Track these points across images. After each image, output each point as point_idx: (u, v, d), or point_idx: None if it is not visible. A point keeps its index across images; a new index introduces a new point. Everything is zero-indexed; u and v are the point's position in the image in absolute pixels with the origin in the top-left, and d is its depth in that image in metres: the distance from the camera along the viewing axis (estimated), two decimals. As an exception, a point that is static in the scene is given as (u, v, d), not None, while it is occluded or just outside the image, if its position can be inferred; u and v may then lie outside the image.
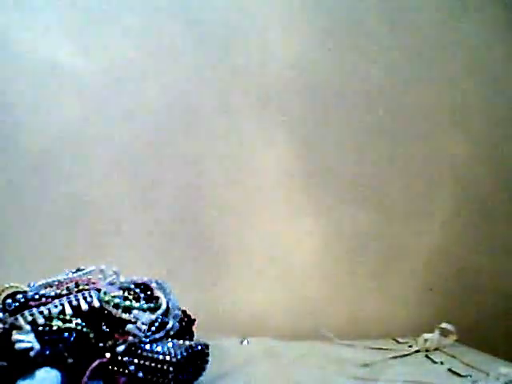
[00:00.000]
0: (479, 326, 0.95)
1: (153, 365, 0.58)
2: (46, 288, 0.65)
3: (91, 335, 0.58)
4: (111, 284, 0.67)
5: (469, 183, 1.02)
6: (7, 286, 0.65)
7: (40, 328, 0.56)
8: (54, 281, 0.66)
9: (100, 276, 0.69)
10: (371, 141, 0.99)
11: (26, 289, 0.64)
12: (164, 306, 0.64)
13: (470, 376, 0.70)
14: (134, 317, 0.61)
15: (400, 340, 0.89)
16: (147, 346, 0.59)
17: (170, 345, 0.60)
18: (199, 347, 0.61)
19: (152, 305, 0.64)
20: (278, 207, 0.97)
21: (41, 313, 0.58)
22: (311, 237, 0.97)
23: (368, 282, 0.99)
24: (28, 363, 0.53)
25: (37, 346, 0.53)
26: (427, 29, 1.01)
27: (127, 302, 0.62)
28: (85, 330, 0.58)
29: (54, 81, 0.89)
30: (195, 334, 0.71)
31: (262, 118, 0.96)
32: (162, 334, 0.62)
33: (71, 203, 0.90)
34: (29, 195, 0.88)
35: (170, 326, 0.63)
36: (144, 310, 0.62)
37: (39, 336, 0.54)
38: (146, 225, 0.92)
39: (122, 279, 0.68)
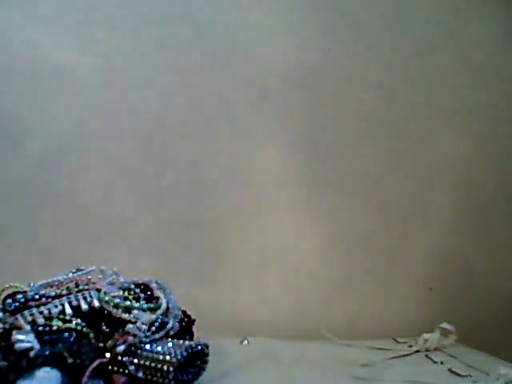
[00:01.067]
0: (479, 325, 0.95)
1: (153, 365, 0.58)
2: (46, 288, 0.65)
3: (91, 335, 0.58)
4: (111, 284, 0.67)
5: (469, 183, 1.02)
6: (7, 286, 0.65)
7: (40, 328, 0.56)
8: (54, 281, 0.66)
9: (100, 276, 0.69)
10: (371, 140, 0.99)
11: (26, 289, 0.64)
12: (164, 306, 0.64)
13: (470, 376, 0.70)
14: (133, 317, 0.61)
15: (400, 340, 0.89)
16: (147, 346, 0.59)
17: (170, 345, 0.60)
18: (199, 347, 0.61)
19: (152, 305, 0.64)
20: (278, 207, 0.97)
21: (41, 313, 0.58)
22: (311, 237, 0.97)
23: (368, 282, 0.99)
24: (28, 363, 0.53)
25: (37, 346, 0.53)
26: (427, 29, 1.01)
27: (127, 302, 0.63)
28: (85, 330, 0.58)
29: (54, 81, 0.89)
30: (195, 333, 0.71)
31: (262, 118, 0.96)
32: (162, 333, 0.62)
33: (71, 203, 0.90)
34: (29, 195, 0.88)
35: (170, 325, 0.63)
36: (144, 310, 0.62)
37: (39, 336, 0.54)
38: (146, 225, 0.92)
39: (122, 279, 0.68)
